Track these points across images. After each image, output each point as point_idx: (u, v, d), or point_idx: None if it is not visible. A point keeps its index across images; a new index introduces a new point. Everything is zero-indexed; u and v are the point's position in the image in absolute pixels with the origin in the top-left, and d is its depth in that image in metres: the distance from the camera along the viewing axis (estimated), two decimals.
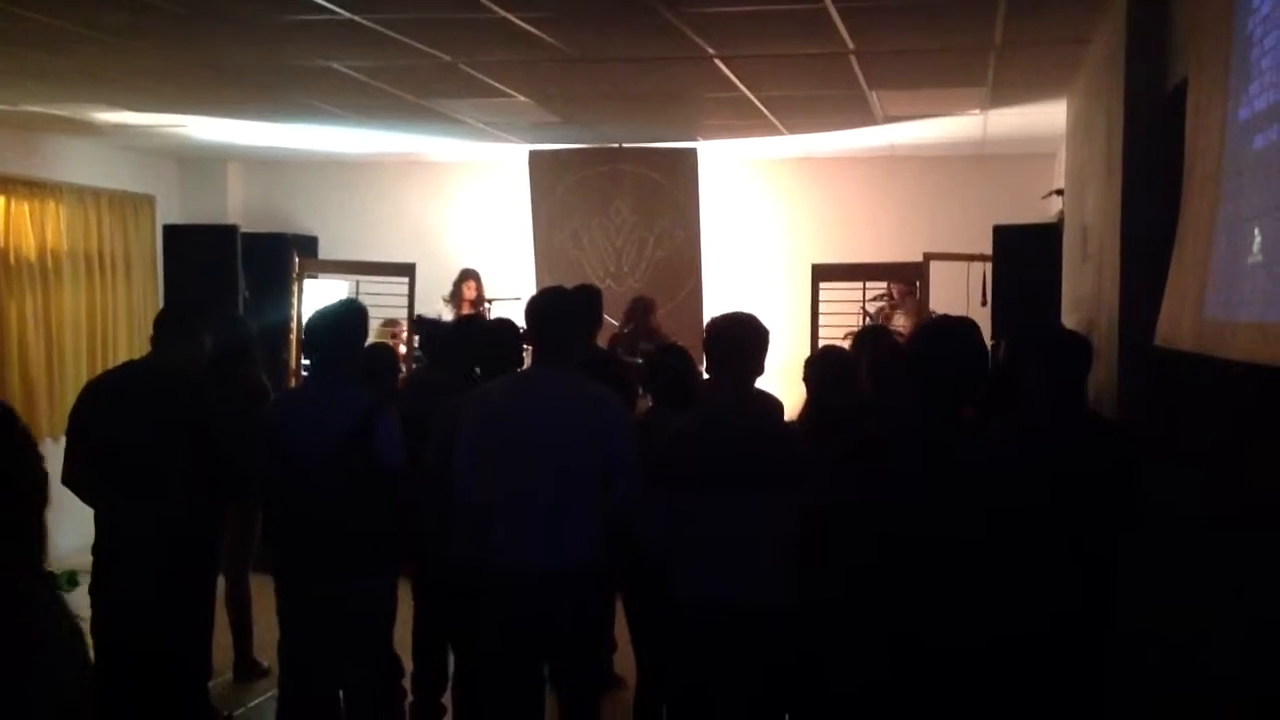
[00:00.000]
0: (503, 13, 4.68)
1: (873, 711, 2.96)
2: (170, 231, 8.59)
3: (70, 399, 4.49)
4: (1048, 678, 3.23)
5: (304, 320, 7.52)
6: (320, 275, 8.93)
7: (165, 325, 4.56)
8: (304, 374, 7.71)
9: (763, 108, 6.98)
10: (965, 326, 3.06)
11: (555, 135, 8.31)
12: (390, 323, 8.31)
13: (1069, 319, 5.64)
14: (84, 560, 4.44)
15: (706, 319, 3.96)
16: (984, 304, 7.04)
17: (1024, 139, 8.10)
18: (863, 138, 8.24)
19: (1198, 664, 3.21)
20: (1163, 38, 4.00)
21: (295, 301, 8.53)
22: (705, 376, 3.94)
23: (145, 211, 9.45)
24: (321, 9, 4.61)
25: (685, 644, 3.53)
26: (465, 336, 4.97)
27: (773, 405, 4.29)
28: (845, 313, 7.83)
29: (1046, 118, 6.97)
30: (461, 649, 4.60)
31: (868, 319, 7.82)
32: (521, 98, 6.72)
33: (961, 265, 7.55)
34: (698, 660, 3.51)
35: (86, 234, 8.77)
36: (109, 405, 4.33)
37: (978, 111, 7.12)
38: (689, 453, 3.49)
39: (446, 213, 10.05)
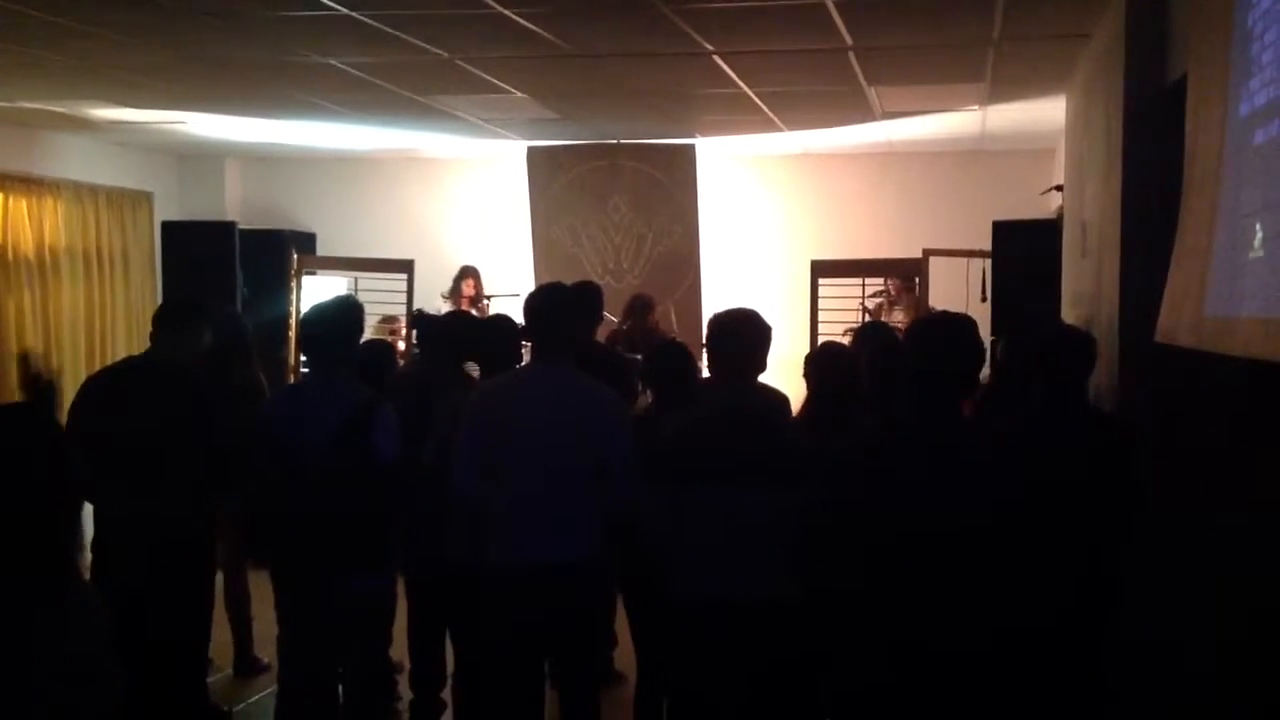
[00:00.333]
0: (500, 9, 4.67)
1: (874, 707, 2.96)
2: (169, 228, 8.59)
3: (69, 396, 4.48)
4: (1051, 674, 3.23)
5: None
6: (318, 272, 8.93)
7: (163, 321, 4.55)
8: (304, 371, 7.70)
9: (761, 104, 6.98)
10: (958, 322, 3.07)
11: (553, 131, 8.31)
12: (388, 319, 8.31)
13: (1068, 315, 5.64)
14: (83, 556, 4.44)
15: (706, 316, 3.95)
16: (984, 300, 7.04)
17: (1023, 134, 8.10)
18: (862, 134, 8.23)
19: (1198, 662, 3.21)
20: (1162, 32, 4.00)
21: (293, 298, 8.53)
22: (706, 373, 3.93)
23: (143, 208, 9.45)
24: (320, 5, 4.60)
25: (685, 640, 3.53)
26: (453, 331, 4.96)
27: (778, 400, 4.28)
28: (845, 309, 7.83)
29: (1046, 113, 6.97)
30: (461, 646, 4.60)
31: (867, 315, 7.82)
32: (520, 94, 6.72)
33: (961, 261, 7.55)
34: (698, 656, 3.50)
35: (85, 231, 8.76)
36: (107, 401, 4.33)
37: (977, 107, 7.12)
38: (689, 449, 3.49)
39: (445, 209, 10.05)
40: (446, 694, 4.79)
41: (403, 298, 8.25)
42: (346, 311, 4.19)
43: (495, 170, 9.70)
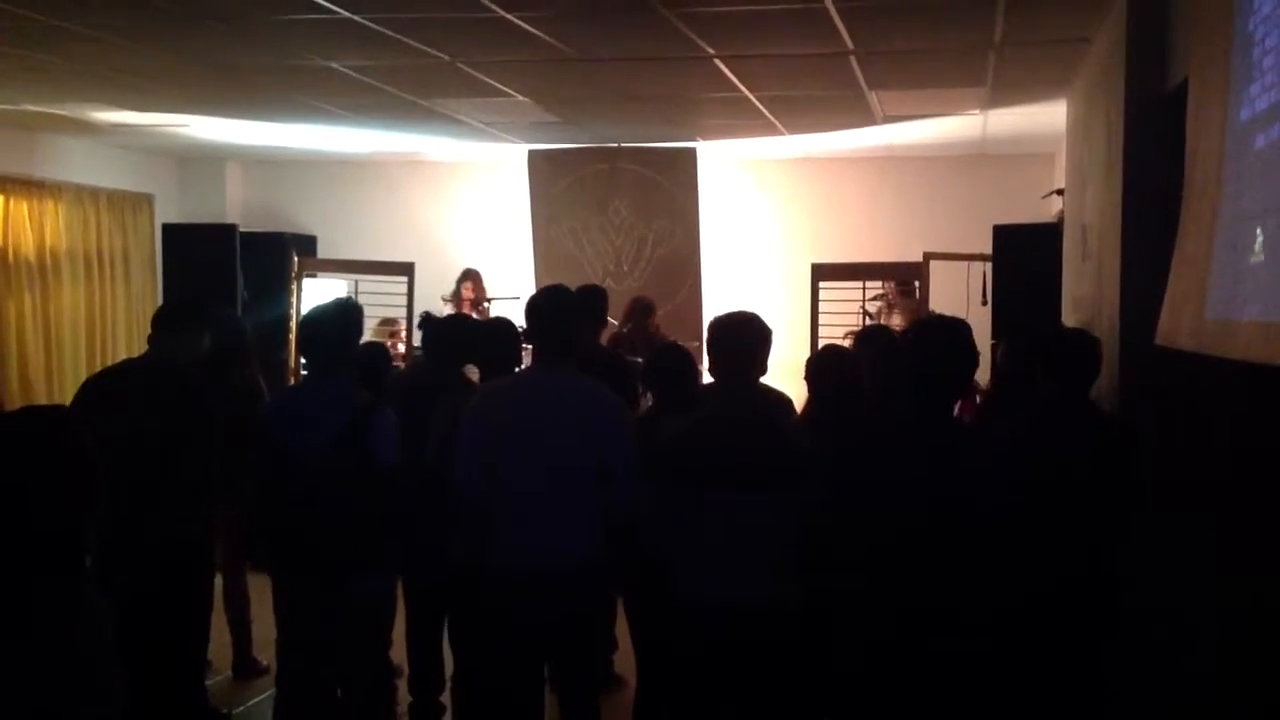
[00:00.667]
0: (502, 12, 4.68)
1: (874, 707, 2.96)
2: (169, 231, 8.58)
3: (69, 398, 4.48)
4: (1050, 672, 3.23)
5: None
6: (319, 274, 8.93)
7: (162, 323, 4.55)
8: (303, 373, 7.70)
9: (762, 108, 6.98)
10: (953, 326, 3.09)
11: (554, 135, 8.31)
12: (388, 321, 8.31)
13: (1069, 319, 5.64)
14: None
15: (706, 319, 3.94)
16: (984, 304, 7.04)
17: (1024, 139, 8.11)
18: (862, 138, 8.24)
19: (1198, 660, 3.21)
20: (1163, 38, 4.00)
21: (294, 301, 8.53)
22: (707, 376, 3.93)
23: (144, 211, 9.46)
24: (321, 8, 4.61)
25: (686, 643, 3.52)
26: (454, 333, 4.96)
27: (781, 402, 4.28)
28: (845, 312, 7.84)
29: (1046, 117, 6.98)
30: (460, 649, 4.59)
31: (867, 318, 7.83)
32: (521, 97, 6.72)
33: (962, 265, 7.55)
34: (698, 659, 3.50)
35: (85, 233, 8.78)
36: (107, 402, 4.32)
37: (977, 111, 7.12)
38: (690, 451, 3.48)
39: (445, 212, 10.06)
40: (445, 697, 4.78)
41: (403, 300, 8.26)
42: (345, 314, 4.18)
43: (496, 174, 9.71)
